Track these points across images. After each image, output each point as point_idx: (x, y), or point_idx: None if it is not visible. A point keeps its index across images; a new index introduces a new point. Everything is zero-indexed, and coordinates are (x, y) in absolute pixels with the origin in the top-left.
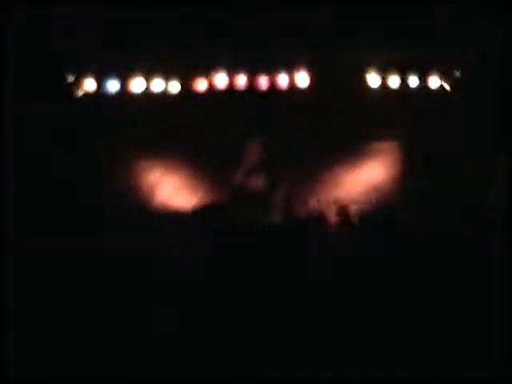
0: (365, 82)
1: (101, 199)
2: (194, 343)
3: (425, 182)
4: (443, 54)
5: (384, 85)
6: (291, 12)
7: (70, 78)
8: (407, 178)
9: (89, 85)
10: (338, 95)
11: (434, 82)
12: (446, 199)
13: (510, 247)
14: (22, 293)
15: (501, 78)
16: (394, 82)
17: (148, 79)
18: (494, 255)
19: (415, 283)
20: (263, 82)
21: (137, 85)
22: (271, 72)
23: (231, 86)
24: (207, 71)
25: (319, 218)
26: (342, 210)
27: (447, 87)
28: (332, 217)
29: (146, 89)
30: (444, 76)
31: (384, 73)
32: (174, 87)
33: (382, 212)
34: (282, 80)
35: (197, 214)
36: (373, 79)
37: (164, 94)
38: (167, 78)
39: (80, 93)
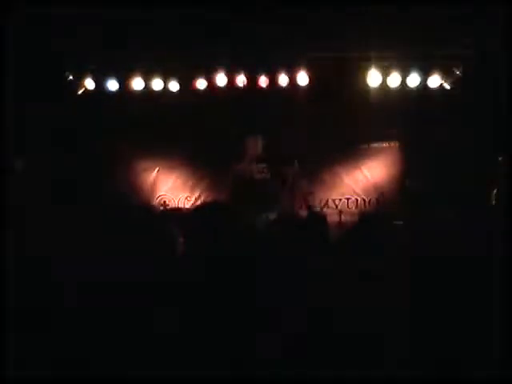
0: (365, 81)
1: (101, 199)
2: (194, 343)
3: (425, 182)
4: (443, 54)
5: (384, 85)
6: (291, 12)
7: (70, 78)
8: (407, 177)
9: (89, 84)
10: (337, 95)
11: (435, 81)
12: (445, 199)
13: (511, 247)
14: (23, 294)
15: (501, 77)
16: (394, 81)
17: (148, 79)
18: (495, 255)
19: (415, 283)
20: (263, 81)
21: (136, 84)
22: (271, 72)
23: (231, 86)
24: (207, 71)
25: (319, 218)
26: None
27: (447, 87)
28: (331, 217)
29: (146, 88)
30: (444, 76)
31: (384, 73)
32: (174, 87)
33: (381, 212)
34: (282, 80)
35: (197, 213)
36: (373, 79)
37: (164, 94)
38: (167, 78)
39: (80, 92)
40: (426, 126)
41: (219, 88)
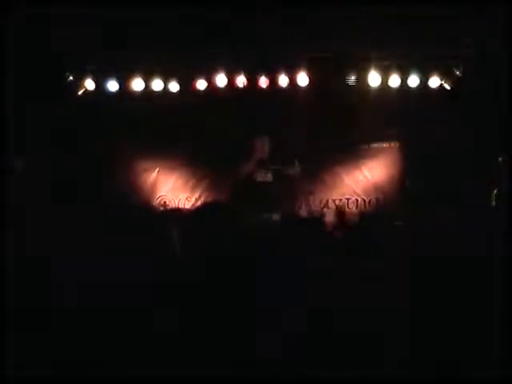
0: (365, 81)
1: (101, 199)
2: (194, 343)
3: (425, 182)
4: (443, 54)
5: (384, 85)
6: (291, 12)
7: (70, 78)
8: (407, 178)
9: (89, 85)
10: (337, 95)
11: (435, 81)
12: (445, 199)
13: (511, 247)
14: (23, 294)
15: (501, 77)
16: (394, 81)
17: (148, 79)
18: (495, 255)
19: (415, 283)
20: (263, 82)
21: (137, 85)
22: (271, 72)
23: (231, 87)
24: (207, 71)
25: (319, 218)
26: (340, 212)
27: (447, 87)
28: (331, 217)
29: (146, 89)
30: (444, 76)
31: (384, 73)
32: (174, 87)
33: (381, 211)
34: (282, 80)
35: (197, 214)
36: (373, 79)
37: (164, 95)
38: (167, 79)
39: (80, 93)
40: (426, 125)
41: (219, 88)
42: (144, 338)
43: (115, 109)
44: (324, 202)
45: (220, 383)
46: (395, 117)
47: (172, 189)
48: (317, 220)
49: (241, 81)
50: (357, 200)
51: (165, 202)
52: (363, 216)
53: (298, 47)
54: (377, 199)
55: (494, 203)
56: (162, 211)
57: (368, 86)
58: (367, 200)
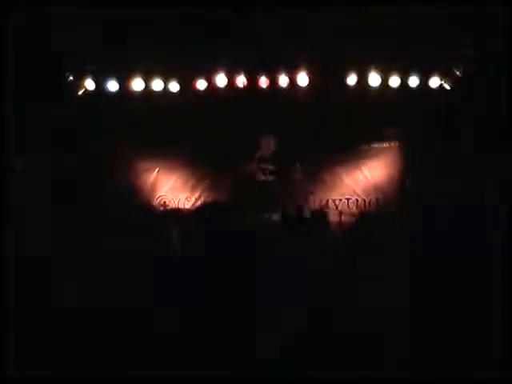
0: (365, 81)
1: (101, 199)
2: (195, 343)
3: (425, 182)
4: (443, 54)
5: (384, 84)
6: (291, 12)
7: (70, 78)
8: (407, 178)
9: (89, 85)
10: (337, 95)
11: (435, 81)
12: (445, 199)
13: (511, 247)
14: (23, 294)
15: (501, 77)
16: (394, 81)
17: (148, 80)
18: (495, 255)
19: (415, 283)
20: (263, 82)
21: (137, 85)
22: (271, 72)
23: (231, 87)
24: (207, 72)
25: (319, 218)
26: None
27: (447, 87)
28: (331, 216)
29: (146, 89)
30: (444, 76)
31: (384, 73)
32: (174, 87)
33: (381, 211)
34: (282, 80)
35: (197, 214)
36: (373, 79)
37: (164, 95)
38: (167, 79)
39: (80, 93)
40: (425, 126)
41: (219, 88)
42: (144, 338)
43: (115, 109)
44: (324, 202)
45: (220, 383)
46: (395, 117)
47: (172, 189)
48: (318, 220)
49: (241, 81)
50: (357, 200)
51: (165, 202)
52: (363, 216)
53: (298, 47)
54: (377, 199)
55: (493, 203)
56: (162, 211)
57: (368, 85)
58: (367, 200)
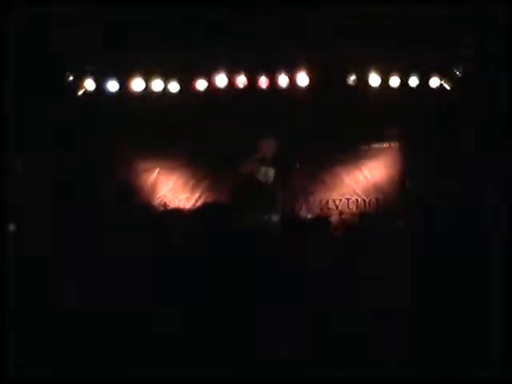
0: (365, 81)
1: (101, 199)
2: (195, 343)
3: (425, 183)
4: (443, 54)
5: (384, 84)
6: (291, 12)
7: (70, 78)
8: (407, 178)
9: (89, 85)
10: (338, 95)
11: (435, 81)
12: (445, 199)
13: (511, 247)
14: (23, 294)
15: (501, 77)
16: (394, 81)
17: (148, 80)
18: (495, 255)
19: (414, 283)
20: (263, 82)
21: (137, 85)
22: (271, 72)
23: (231, 87)
24: (207, 72)
25: (319, 217)
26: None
27: (447, 87)
28: (331, 216)
29: (146, 89)
30: (444, 76)
31: (384, 73)
32: (174, 88)
33: (381, 211)
34: (282, 80)
35: (197, 214)
36: (373, 79)
37: (164, 95)
38: (167, 79)
39: (80, 93)
40: (425, 126)
41: (219, 88)
42: (144, 338)
43: (115, 109)
44: (324, 202)
45: (220, 383)
46: (395, 117)
47: (172, 189)
48: (320, 220)
49: (241, 81)
50: (357, 200)
51: (165, 203)
52: (363, 216)
53: (298, 47)
54: (377, 199)
55: (494, 203)
56: (162, 211)
57: (368, 85)
58: (367, 200)
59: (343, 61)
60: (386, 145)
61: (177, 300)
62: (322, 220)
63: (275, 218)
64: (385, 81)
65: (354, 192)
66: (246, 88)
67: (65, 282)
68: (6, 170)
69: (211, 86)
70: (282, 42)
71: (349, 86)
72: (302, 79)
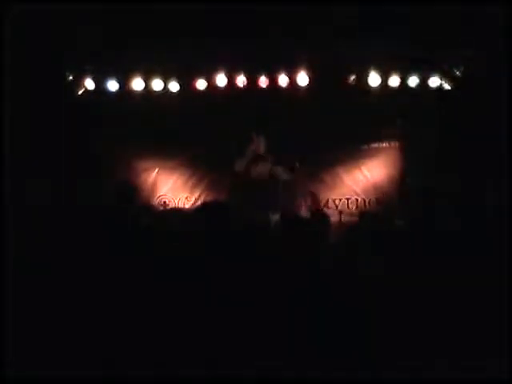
0: (365, 81)
1: (101, 199)
2: (195, 343)
3: (425, 182)
4: (444, 54)
5: (384, 85)
6: (291, 12)
7: (70, 78)
8: (407, 177)
9: (89, 85)
10: (337, 95)
11: (434, 81)
12: (446, 199)
13: (511, 247)
14: (23, 294)
15: (501, 77)
16: (394, 81)
17: (148, 79)
18: (495, 255)
19: (414, 283)
20: (263, 81)
21: (136, 85)
22: (271, 72)
23: (231, 86)
24: (207, 71)
25: (321, 218)
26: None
27: (447, 87)
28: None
29: (146, 89)
30: (444, 76)
31: (384, 73)
32: (174, 87)
33: (381, 211)
34: (282, 80)
35: (197, 214)
36: (373, 79)
37: (164, 94)
38: (167, 79)
39: (80, 93)
40: (425, 126)
41: (219, 88)
42: (144, 338)
43: (115, 109)
44: (324, 201)
45: (220, 383)
46: (395, 117)
47: (172, 189)
48: (319, 220)
49: (241, 81)
50: (357, 200)
51: (165, 202)
52: (363, 216)
53: (298, 47)
54: (377, 199)
55: (494, 203)
56: (162, 211)
57: (368, 86)
58: (367, 200)
59: (343, 61)
60: (385, 144)
61: (176, 300)
62: (320, 217)
63: (275, 217)
64: (385, 81)
65: (354, 192)
66: (246, 88)
67: (65, 281)
68: (6, 170)
69: (211, 86)
70: (281, 41)
71: (349, 86)
72: (302, 79)
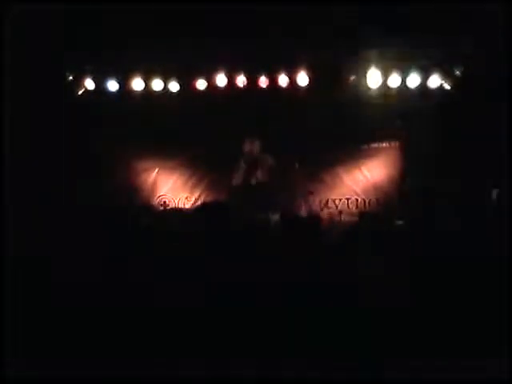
0: (365, 81)
1: (101, 199)
2: (195, 343)
3: (425, 182)
4: (443, 54)
5: (384, 85)
6: (291, 12)
7: (70, 78)
8: (407, 177)
9: (89, 85)
10: (337, 95)
11: (435, 81)
12: (446, 199)
13: (511, 247)
14: (23, 294)
15: (501, 77)
16: (394, 81)
17: (148, 79)
18: (495, 255)
19: (414, 283)
20: (263, 81)
21: (136, 85)
22: (271, 72)
23: (231, 86)
24: (207, 71)
25: (318, 217)
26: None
27: (447, 87)
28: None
29: (146, 89)
30: (444, 76)
31: (384, 73)
32: (174, 87)
33: (381, 211)
34: (282, 80)
35: (197, 214)
36: (373, 79)
37: (164, 94)
38: (167, 78)
39: (80, 93)
40: (425, 126)
41: (219, 88)
42: (144, 338)
43: (115, 109)
44: (324, 201)
45: (219, 383)
46: (395, 117)
47: (172, 188)
48: (318, 220)
49: (241, 81)
50: (357, 200)
51: (165, 202)
52: (363, 216)
53: (298, 47)
54: (377, 199)
55: (494, 203)
56: (162, 211)
57: (368, 86)
58: (367, 200)
59: (343, 61)
60: (385, 145)
61: (175, 299)
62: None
63: (274, 217)
64: (385, 81)
65: (354, 192)
66: (246, 88)
67: (65, 281)
68: (6, 170)
69: (211, 86)
70: (281, 41)
71: (349, 86)
72: (302, 79)
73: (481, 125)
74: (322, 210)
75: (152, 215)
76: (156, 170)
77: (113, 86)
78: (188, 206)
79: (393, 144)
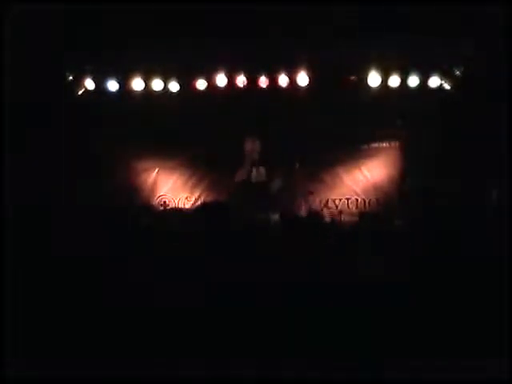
0: (365, 81)
1: (100, 199)
2: (195, 343)
3: (425, 182)
4: (443, 54)
5: (384, 85)
6: (291, 12)
7: (70, 78)
8: (407, 177)
9: (89, 85)
10: (337, 95)
11: (435, 81)
12: (446, 199)
13: (511, 247)
14: (23, 294)
15: (501, 77)
16: (394, 81)
17: (148, 79)
18: (495, 255)
19: (414, 283)
20: (263, 81)
21: (136, 85)
22: (271, 72)
23: (231, 86)
24: (207, 71)
25: (318, 217)
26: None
27: (447, 87)
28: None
29: (146, 89)
30: (444, 76)
31: (384, 73)
32: (174, 87)
33: (381, 212)
34: (282, 80)
35: (197, 214)
36: (373, 79)
37: (164, 94)
38: (167, 78)
39: (80, 93)
40: (425, 126)
41: (219, 88)
42: (145, 338)
43: (115, 109)
44: (324, 202)
45: (220, 383)
46: (395, 117)
47: (172, 188)
48: (318, 220)
49: (241, 81)
50: (357, 200)
51: (165, 202)
52: (363, 216)
53: (298, 47)
54: (377, 199)
55: (494, 203)
56: (162, 211)
57: (368, 86)
58: (367, 200)
59: (343, 61)
60: (385, 145)
61: (175, 299)
62: (321, 220)
63: (274, 217)
64: (385, 81)
65: (354, 192)
66: (246, 88)
67: (65, 281)
68: (6, 170)
69: (211, 86)
70: (281, 41)
71: (349, 86)
72: (302, 79)
73: (481, 125)
74: (321, 209)
75: (152, 215)
76: (156, 170)
77: (113, 85)
78: (188, 206)
79: (393, 144)
